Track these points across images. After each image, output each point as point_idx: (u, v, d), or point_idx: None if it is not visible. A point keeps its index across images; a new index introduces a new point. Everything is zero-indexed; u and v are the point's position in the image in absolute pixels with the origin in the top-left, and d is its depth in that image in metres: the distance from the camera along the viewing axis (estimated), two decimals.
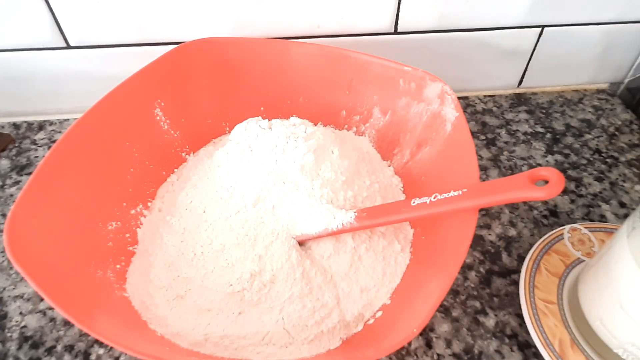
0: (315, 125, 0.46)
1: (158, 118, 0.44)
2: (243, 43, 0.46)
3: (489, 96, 0.58)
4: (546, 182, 0.29)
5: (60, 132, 0.53)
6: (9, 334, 0.36)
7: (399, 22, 0.50)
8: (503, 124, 0.54)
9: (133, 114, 0.42)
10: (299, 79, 0.47)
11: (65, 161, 0.36)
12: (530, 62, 0.55)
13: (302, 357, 0.33)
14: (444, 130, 0.40)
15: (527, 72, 0.57)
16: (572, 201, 0.46)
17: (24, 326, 0.37)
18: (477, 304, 0.38)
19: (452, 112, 0.39)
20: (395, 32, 0.51)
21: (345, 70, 0.45)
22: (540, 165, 0.49)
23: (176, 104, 0.45)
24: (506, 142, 0.52)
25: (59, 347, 0.36)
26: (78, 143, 0.37)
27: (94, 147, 0.39)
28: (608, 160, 0.50)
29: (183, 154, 0.46)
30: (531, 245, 0.40)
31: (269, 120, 0.41)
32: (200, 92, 0.47)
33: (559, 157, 0.51)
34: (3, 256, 0.41)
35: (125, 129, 0.41)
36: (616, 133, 0.53)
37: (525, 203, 0.46)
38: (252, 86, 0.48)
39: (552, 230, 0.41)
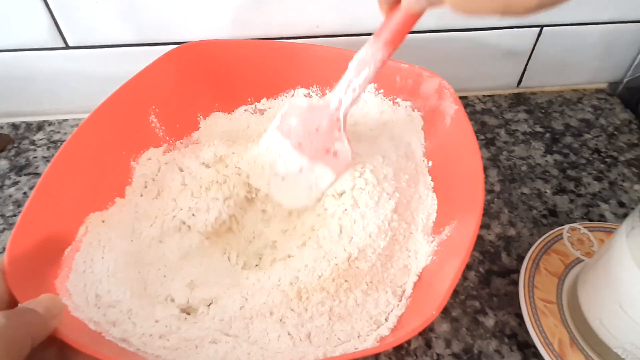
0: None
1: (153, 125, 0.43)
2: (240, 45, 0.46)
3: (488, 96, 0.58)
4: None
5: (59, 132, 0.52)
6: None
7: None
8: (502, 123, 0.54)
9: (128, 123, 0.41)
10: (299, 79, 0.47)
11: (62, 176, 0.35)
12: (529, 61, 0.55)
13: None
14: (443, 124, 0.40)
15: (526, 72, 0.57)
16: (572, 201, 0.46)
17: None
18: (477, 303, 0.38)
19: (451, 106, 0.39)
20: None
21: (344, 70, 0.45)
22: (539, 165, 0.50)
23: (170, 109, 0.44)
24: (505, 142, 0.52)
25: None
26: (74, 157, 0.36)
27: (90, 161, 0.37)
28: (607, 159, 0.50)
29: None
30: (530, 245, 0.40)
31: None
32: (194, 96, 0.46)
33: (558, 156, 0.51)
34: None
35: (121, 138, 0.40)
36: (615, 132, 0.53)
37: (524, 202, 0.46)
38: (250, 87, 0.48)
39: (552, 230, 0.41)
